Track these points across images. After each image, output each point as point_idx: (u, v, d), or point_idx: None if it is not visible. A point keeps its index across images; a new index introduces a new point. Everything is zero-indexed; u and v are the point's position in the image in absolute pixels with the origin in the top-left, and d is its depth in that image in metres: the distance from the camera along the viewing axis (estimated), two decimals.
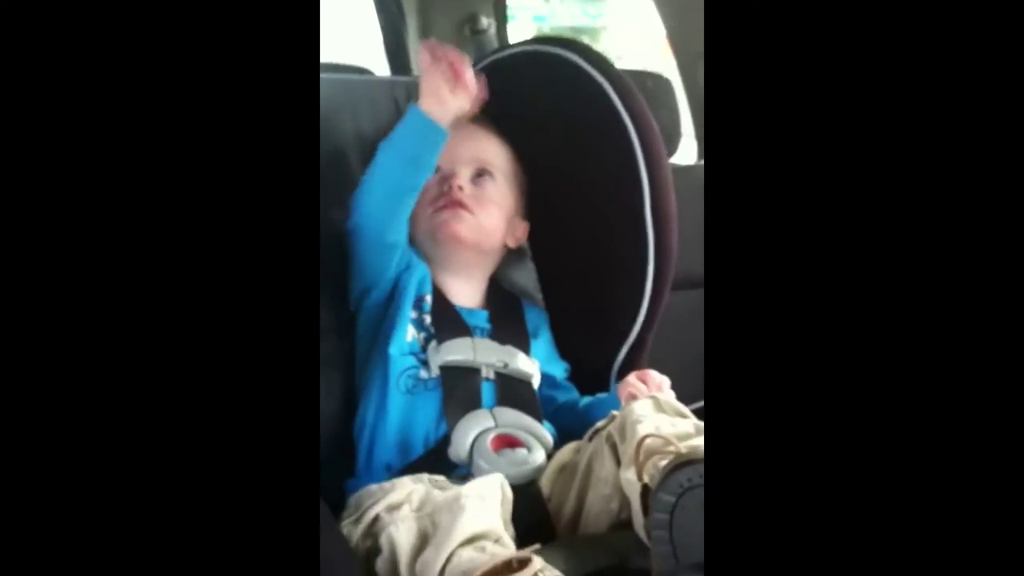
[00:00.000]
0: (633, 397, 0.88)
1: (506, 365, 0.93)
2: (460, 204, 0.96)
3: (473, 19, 1.96)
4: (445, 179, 0.97)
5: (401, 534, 0.72)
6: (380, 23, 1.78)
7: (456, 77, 0.90)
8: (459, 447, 0.85)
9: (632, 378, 0.92)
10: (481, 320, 0.97)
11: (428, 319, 0.93)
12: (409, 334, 0.92)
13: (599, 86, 0.99)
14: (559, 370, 1.01)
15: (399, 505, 0.75)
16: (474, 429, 0.86)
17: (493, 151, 1.01)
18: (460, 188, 0.97)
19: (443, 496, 0.74)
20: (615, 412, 0.83)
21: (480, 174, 0.99)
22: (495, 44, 1.97)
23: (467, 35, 1.96)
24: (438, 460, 0.85)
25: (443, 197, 0.96)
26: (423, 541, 0.71)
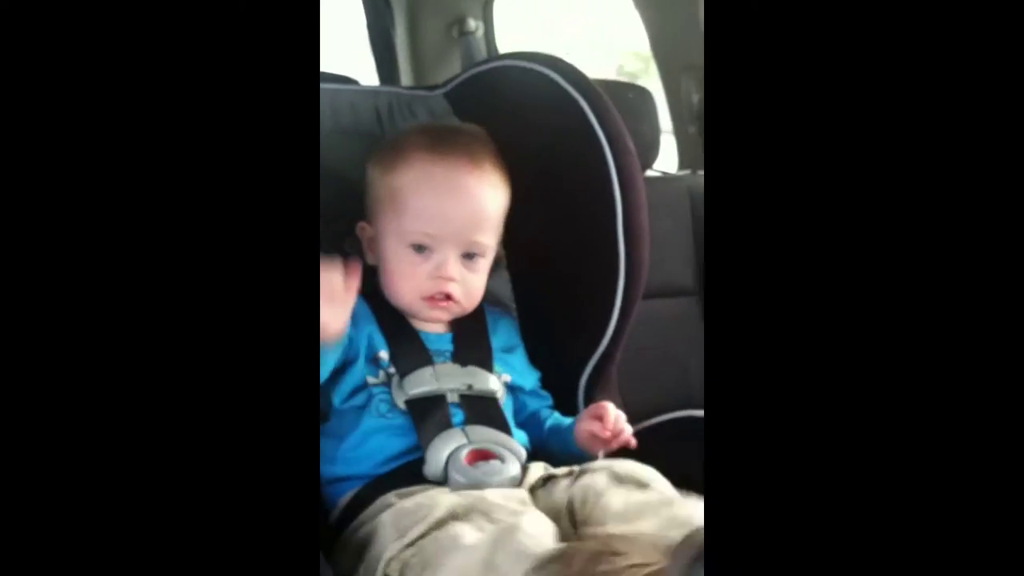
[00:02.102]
0: (592, 435, 0.92)
1: (470, 387, 0.94)
2: (450, 298, 0.94)
3: (461, 21, 1.97)
4: (432, 263, 0.93)
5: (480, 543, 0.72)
6: (368, 25, 1.79)
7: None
8: (434, 464, 0.86)
9: (587, 417, 0.94)
10: (444, 343, 0.97)
11: (387, 367, 0.93)
12: (369, 382, 0.92)
13: (575, 102, 1.00)
14: (532, 380, 1.03)
15: (447, 520, 0.76)
16: (448, 446, 0.87)
17: (486, 222, 0.95)
18: (451, 278, 0.93)
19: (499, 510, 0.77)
20: (575, 470, 0.87)
21: (470, 256, 0.94)
22: (483, 46, 1.99)
23: (455, 37, 1.97)
24: (412, 476, 0.86)
25: (433, 287, 0.93)
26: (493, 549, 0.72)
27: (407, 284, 0.93)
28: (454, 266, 0.93)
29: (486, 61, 1.17)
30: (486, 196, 0.95)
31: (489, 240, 0.96)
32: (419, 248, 0.92)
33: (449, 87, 1.14)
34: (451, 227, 0.92)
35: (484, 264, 0.96)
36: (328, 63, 1.48)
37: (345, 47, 2.07)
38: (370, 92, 1.12)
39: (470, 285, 0.95)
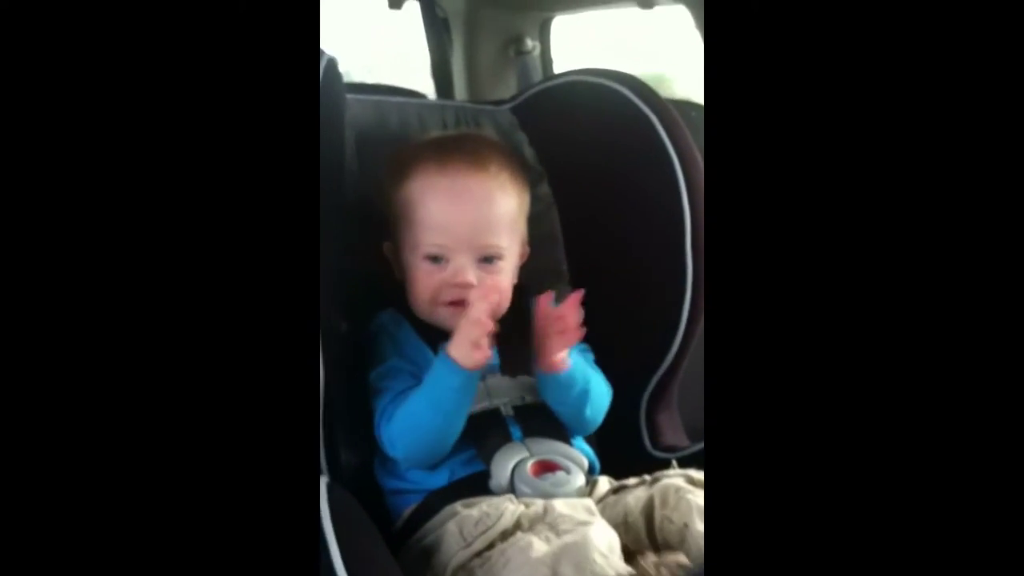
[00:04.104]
0: (544, 332, 0.88)
1: (523, 399, 0.93)
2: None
3: (519, 40, 1.97)
4: (450, 272, 0.91)
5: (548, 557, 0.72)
6: (428, 44, 1.80)
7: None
8: (499, 478, 0.86)
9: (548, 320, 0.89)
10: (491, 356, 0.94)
11: None
12: None
13: (646, 118, 1.00)
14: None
15: (512, 530, 0.76)
16: (511, 459, 0.87)
17: (499, 224, 0.93)
18: (468, 284, 0.90)
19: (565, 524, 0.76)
20: (647, 478, 0.86)
21: (487, 259, 0.92)
22: (539, 66, 1.99)
23: (512, 56, 1.98)
24: (477, 489, 0.86)
25: (452, 294, 0.91)
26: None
27: (427, 295, 0.92)
28: (471, 271, 0.91)
29: (555, 76, 1.18)
30: (494, 198, 0.93)
31: (505, 242, 0.93)
32: (434, 259, 0.91)
33: (517, 101, 1.15)
34: (461, 234, 0.90)
35: (505, 266, 0.94)
36: (389, 81, 1.50)
37: (402, 66, 2.08)
38: (437, 106, 1.14)
39: (490, 284, 0.91)
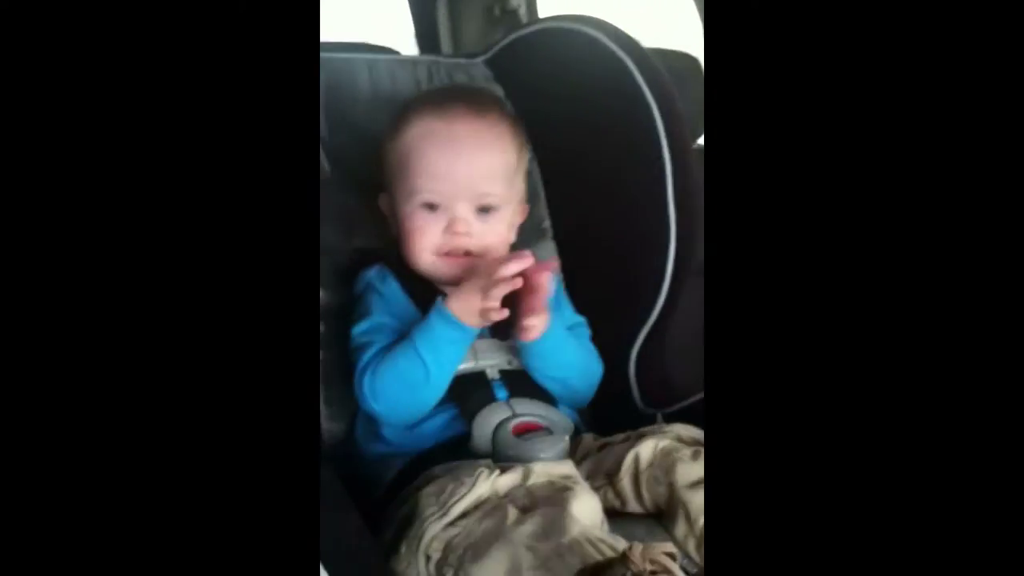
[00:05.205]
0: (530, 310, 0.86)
1: (510, 362, 0.91)
2: (469, 254, 0.90)
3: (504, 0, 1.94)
4: (446, 220, 0.90)
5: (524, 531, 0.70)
6: (410, 4, 1.77)
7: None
8: (480, 438, 0.84)
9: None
10: None
11: None
12: None
13: (621, 63, 0.97)
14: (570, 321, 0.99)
15: (488, 498, 0.75)
16: (493, 420, 0.85)
17: (495, 173, 0.91)
18: (466, 233, 0.90)
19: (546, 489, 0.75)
20: (631, 434, 0.85)
21: (485, 209, 0.90)
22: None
23: (497, 15, 1.95)
24: (458, 451, 0.84)
25: (448, 243, 0.90)
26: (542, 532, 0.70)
27: (422, 242, 0.90)
28: (468, 221, 0.89)
29: (527, 24, 1.14)
30: (493, 147, 0.91)
31: (503, 191, 0.91)
32: (431, 207, 0.89)
33: (490, 53, 1.11)
34: (459, 181, 0.89)
35: (502, 216, 0.92)
36: (371, 40, 1.47)
37: (387, 27, 2.06)
38: (409, 61, 1.11)
39: (488, 239, 0.91)
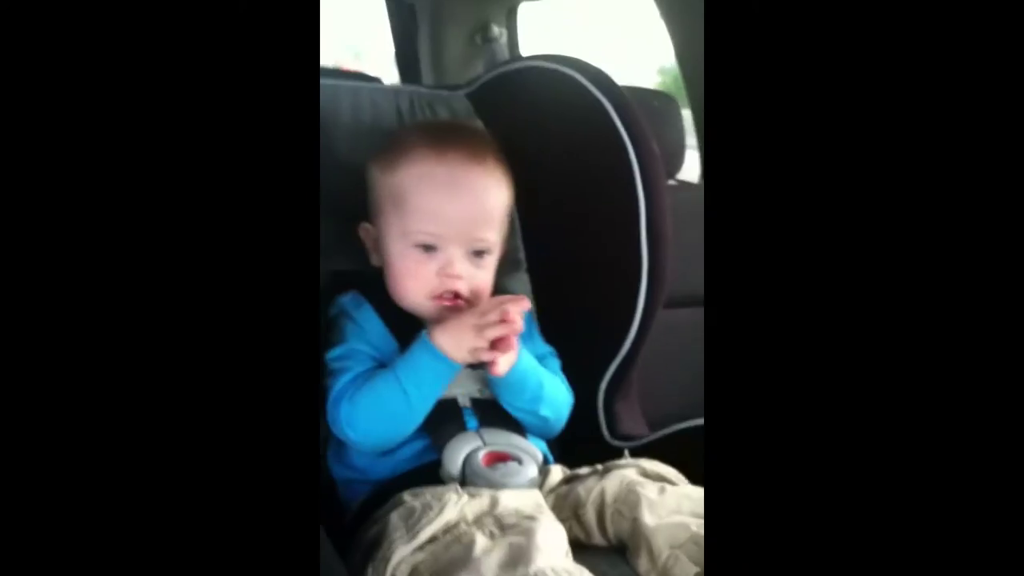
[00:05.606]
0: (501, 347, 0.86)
1: (481, 391, 0.92)
2: (458, 296, 0.91)
3: (485, 28, 1.97)
4: (440, 262, 0.90)
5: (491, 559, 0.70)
6: (392, 30, 1.79)
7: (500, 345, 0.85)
8: (451, 466, 0.85)
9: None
10: None
11: None
12: None
13: (599, 104, 0.99)
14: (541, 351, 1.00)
15: (456, 524, 0.75)
16: (464, 449, 0.86)
17: (491, 218, 0.92)
18: (459, 276, 0.90)
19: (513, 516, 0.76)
20: (599, 468, 0.87)
21: (478, 253, 0.92)
22: (506, 53, 1.98)
23: (479, 44, 1.97)
24: (428, 478, 0.85)
25: (440, 285, 0.90)
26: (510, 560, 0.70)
27: (414, 284, 0.91)
28: (461, 264, 0.91)
29: (510, 62, 1.16)
30: (490, 192, 0.93)
31: (495, 236, 0.93)
32: (426, 248, 0.90)
33: (472, 87, 1.13)
34: (456, 225, 0.90)
35: (491, 261, 0.94)
36: (353, 67, 1.48)
37: (369, 52, 2.07)
38: (391, 90, 1.12)
39: (477, 282, 0.92)
